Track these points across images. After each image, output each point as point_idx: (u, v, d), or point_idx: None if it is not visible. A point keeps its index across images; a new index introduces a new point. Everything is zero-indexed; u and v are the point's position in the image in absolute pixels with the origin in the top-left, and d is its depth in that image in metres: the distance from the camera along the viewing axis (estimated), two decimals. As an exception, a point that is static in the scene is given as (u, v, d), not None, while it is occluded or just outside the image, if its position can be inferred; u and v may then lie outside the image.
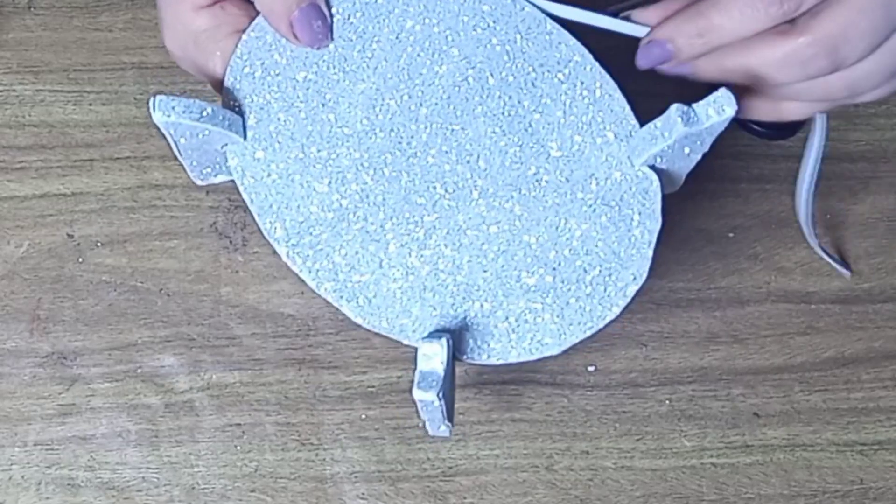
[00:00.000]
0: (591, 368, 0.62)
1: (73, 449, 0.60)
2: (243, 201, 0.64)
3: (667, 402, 0.62)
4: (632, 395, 0.62)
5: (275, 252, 0.63)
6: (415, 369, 0.50)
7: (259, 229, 0.52)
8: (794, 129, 0.66)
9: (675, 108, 0.50)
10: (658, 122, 0.51)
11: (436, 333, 0.51)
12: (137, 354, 0.61)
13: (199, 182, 0.56)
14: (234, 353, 0.62)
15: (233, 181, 0.54)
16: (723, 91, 0.50)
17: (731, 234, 0.65)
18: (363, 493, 0.60)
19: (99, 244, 0.63)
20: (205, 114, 0.51)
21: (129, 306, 0.62)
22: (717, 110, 0.50)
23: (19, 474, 0.59)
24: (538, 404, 0.62)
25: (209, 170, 0.55)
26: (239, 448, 0.60)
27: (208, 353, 0.62)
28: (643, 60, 0.52)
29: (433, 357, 0.49)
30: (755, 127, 0.65)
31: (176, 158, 0.64)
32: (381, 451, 0.61)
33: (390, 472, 0.60)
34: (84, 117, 0.65)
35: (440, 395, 0.49)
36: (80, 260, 0.63)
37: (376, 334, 0.52)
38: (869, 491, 0.61)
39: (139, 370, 0.61)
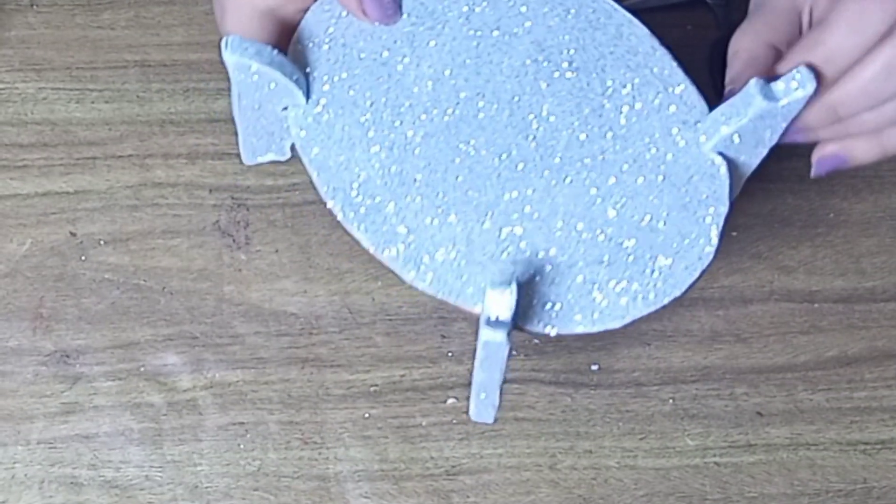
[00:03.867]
0: (594, 367, 0.62)
1: (75, 447, 0.60)
2: (246, 200, 0.64)
3: (670, 401, 0.62)
4: (635, 395, 0.62)
5: (277, 250, 0.63)
6: (479, 320, 0.49)
7: (315, 191, 0.52)
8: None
9: (754, 83, 0.50)
10: (735, 98, 0.51)
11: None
12: (140, 353, 0.61)
13: (248, 161, 0.56)
14: (237, 351, 0.62)
15: (279, 161, 0.55)
16: (801, 68, 0.50)
17: (733, 233, 0.65)
18: (366, 492, 0.60)
19: (102, 242, 0.63)
20: (274, 60, 0.51)
21: (132, 305, 0.62)
22: (801, 84, 0.50)
23: (22, 473, 0.59)
24: (541, 403, 0.62)
25: (262, 142, 0.55)
26: (242, 447, 0.60)
27: (211, 352, 0.61)
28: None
29: (501, 302, 0.48)
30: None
31: (179, 157, 0.65)
32: (385, 449, 0.61)
33: (393, 470, 0.60)
34: (86, 115, 0.65)
35: (510, 335, 0.48)
36: (83, 258, 0.62)
37: (439, 299, 0.51)
38: (872, 490, 0.62)
39: (142, 369, 0.61)
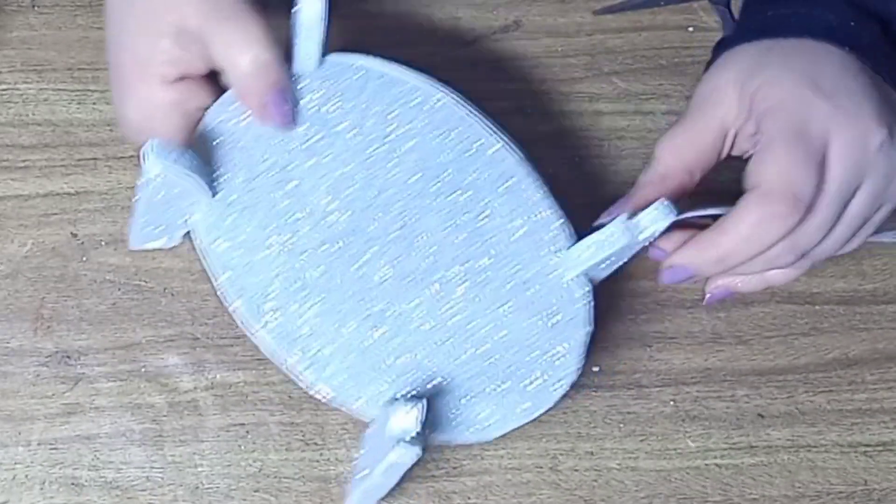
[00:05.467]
0: (595, 369, 0.62)
1: (76, 448, 0.59)
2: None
3: (671, 402, 0.62)
4: (636, 396, 0.62)
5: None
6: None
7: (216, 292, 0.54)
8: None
9: (619, 221, 0.54)
10: (600, 234, 0.54)
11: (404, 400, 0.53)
12: (141, 354, 0.61)
13: (135, 246, 0.58)
14: (238, 352, 0.62)
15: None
16: (660, 204, 0.53)
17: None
18: (367, 494, 0.60)
19: (103, 243, 0.63)
20: (193, 165, 0.53)
21: (133, 305, 0.62)
22: (661, 218, 0.53)
23: (23, 473, 0.59)
24: (542, 405, 0.62)
25: (157, 231, 0.57)
26: (243, 448, 0.60)
27: (212, 353, 0.61)
28: (668, 279, 0.56)
29: (410, 417, 0.51)
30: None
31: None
32: (386, 451, 0.61)
33: (394, 472, 0.60)
34: (88, 116, 0.65)
35: (422, 451, 0.50)
36: (84, 259, 0.62)
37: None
38: (873, 492, 0.62)
39: (143, 369, 0.61)
